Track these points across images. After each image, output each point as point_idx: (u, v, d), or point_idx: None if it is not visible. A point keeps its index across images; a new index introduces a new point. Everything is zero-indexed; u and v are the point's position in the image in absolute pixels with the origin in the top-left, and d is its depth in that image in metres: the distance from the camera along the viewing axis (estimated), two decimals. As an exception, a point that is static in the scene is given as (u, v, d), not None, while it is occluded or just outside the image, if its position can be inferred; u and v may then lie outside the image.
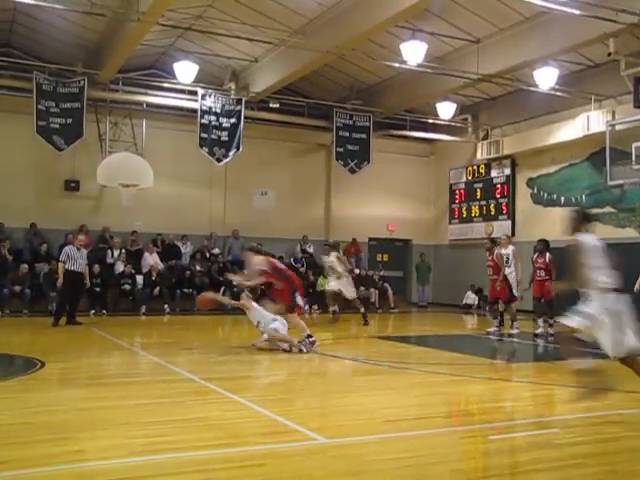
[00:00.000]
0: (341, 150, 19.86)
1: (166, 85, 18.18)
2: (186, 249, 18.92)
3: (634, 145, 13.03)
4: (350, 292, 14.95)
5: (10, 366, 8.81)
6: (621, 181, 13.69)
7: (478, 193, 21.42)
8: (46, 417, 5.73)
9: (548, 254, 13.28)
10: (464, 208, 21.97)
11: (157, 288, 17.03)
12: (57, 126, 16.55)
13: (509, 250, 13.42)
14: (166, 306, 17.04)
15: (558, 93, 16.63)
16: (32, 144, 16.74)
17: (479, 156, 21.05)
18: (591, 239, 6.15)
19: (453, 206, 22.41)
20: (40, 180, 17.85)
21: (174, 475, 4.26)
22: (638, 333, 5.83)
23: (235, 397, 6.70)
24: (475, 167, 21.51)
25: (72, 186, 18.10)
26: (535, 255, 13.47)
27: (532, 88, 16.46)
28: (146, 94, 18.19)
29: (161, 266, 17.57)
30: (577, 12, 12.18)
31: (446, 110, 19.48)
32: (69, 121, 16.63)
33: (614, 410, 6.60)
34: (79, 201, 18.10)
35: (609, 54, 13.52)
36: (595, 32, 13.08)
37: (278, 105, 19.32)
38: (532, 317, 13.58)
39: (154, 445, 4.85)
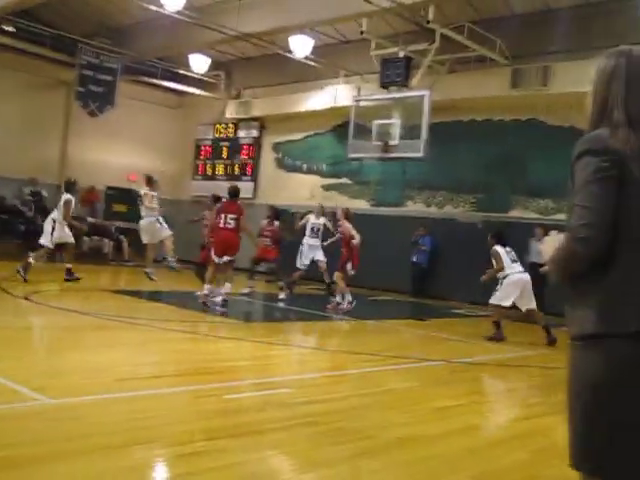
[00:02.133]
0: (83, 90, 18.49)
1: None
2: None
3: (375, 122, 13.79)
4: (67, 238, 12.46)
5: None
6: (360, 155, 14.45)
7: (224, 151, 21.39)
8: None
9: (276, 222, 13.66)
10: (209, 165, 21.82)
11: None
12: None
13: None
14: None
15: (311, 63, 17.06)
16: None
17: (228, 114, 20.98)
18: (502, 249, 9.97)
19: (198, 162, 22.15)
20: None
21: None
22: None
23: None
24: (223, 125, 21.42)
25: None
26: (265, 222, 13.78)
27: (287, 54, 16.68)
28: None
29: None
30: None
31: (199, 63, 19.03)
32: None
33: (340, 371, 6.94)
34: None
35: (361, 32, 14.10)
36: (351, 9, 13.52)
37: (13, 29, 17.36)
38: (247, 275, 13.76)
39: None
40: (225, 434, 4.37)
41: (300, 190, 19.08)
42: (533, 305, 9.94)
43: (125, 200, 21.45)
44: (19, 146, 18.61)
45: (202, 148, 22.06)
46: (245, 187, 20.54)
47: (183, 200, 21.73)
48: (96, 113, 18.83)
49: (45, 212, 17.95)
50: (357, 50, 16.22)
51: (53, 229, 12.05)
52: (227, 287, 10.37)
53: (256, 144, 20.61)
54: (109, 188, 21.13)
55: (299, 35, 15.66)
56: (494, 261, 10.01)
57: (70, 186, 12.73)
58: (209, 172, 21.76)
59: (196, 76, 19.90)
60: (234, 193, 10.97)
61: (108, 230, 19.23)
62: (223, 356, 7.05)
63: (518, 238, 14.64)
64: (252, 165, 20.66)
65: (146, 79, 20.39)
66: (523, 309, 10.02)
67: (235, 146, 21.07)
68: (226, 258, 10.33)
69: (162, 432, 4.33)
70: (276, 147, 20.30)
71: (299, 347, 7.95)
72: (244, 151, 20.85)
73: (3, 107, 18.40)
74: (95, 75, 18.62)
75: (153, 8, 14.84)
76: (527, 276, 9.95)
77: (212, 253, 10.49)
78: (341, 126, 17.13)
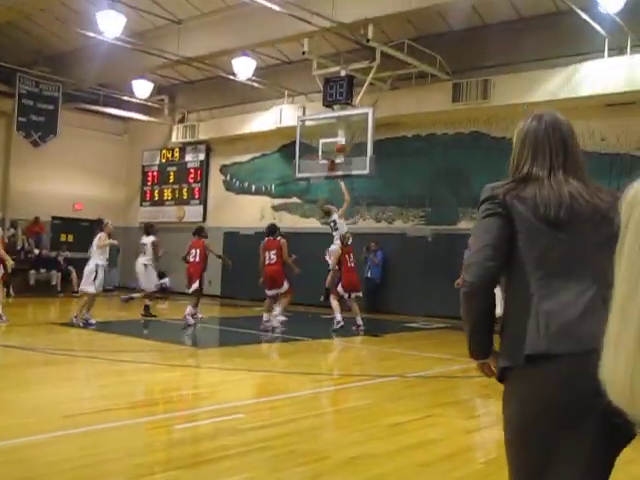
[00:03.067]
0: (24, 120, 18.19)
1: None
2: None
3: (321, 141, 13.83)
4: None
5: None
6: (308, 174, 14.47)
7: (171, 176, 21.21)
8: None
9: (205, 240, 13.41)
10: (156, 191, 21.61)
11: None
12: None
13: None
14: None
15: (254, 84, 17.09)
16: None
17: (174, 139, 20.84)
18: None
19: (145, 188, 21.92)
20: None
21: None
22: None
23: None
24: (170, 150, 21.28)
25: None
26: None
27: (230, 76, 16.66)
28: None
29: None
30: (277, 8, 12.54)
31: (142, 89, 18.87)
32: None
33: (294, 392, 6.89)
34: None
35: (303, 53, 14.18)
36: (292, 30, 13.61)
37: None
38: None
39: None
40: (180, 464, 4.30)
41: (250, 212, 19.03)
42: None
43: (72, 230, 21.09)
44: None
45: (149, 174, 21.85)
46: (194, 211, 20.46)
47: (132, 227, 21.44)
48: (39, 143, 18.52)
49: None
50: (300, 70, 16.31)
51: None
52: (277, 310, 11.72)
53: (203, 167, 20.50)
54: (55, 218, 20.73)
55: (241, 57, 15.67)
56: None
57: (150, 229, 13.53)
58: (156, 197, 21.55)
59: (140, 101, 19.73)
60: (272, 231, 12.16)
61: (54, 261, 18.84)
62: (175, 385, 6.94)
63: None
64: (200, 189, 20.53)
65: (89, 106, 20.11)
66: None
67: (182, 170, 20.93)
68: (274, 292, 11.76)
69: (108, 468, 4.23)
70: (223, 169, 20.22)
71: (251, 371, 7.88)
72: (191, 175, 20.72)
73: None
74: (35, 104, 18.33)
75: (92, 35, 14.68)
76: None
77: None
78: (287, 146, 17.17)
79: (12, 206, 19.43)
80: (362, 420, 5.66)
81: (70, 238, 20.96)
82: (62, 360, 8.13)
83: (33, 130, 18.34)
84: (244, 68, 15.89)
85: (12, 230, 19.15)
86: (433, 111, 15.21)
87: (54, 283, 18.52)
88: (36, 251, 18.80)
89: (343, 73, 13.98)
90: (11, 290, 16.70)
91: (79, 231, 21.40)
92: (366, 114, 13.33)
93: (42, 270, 18.45)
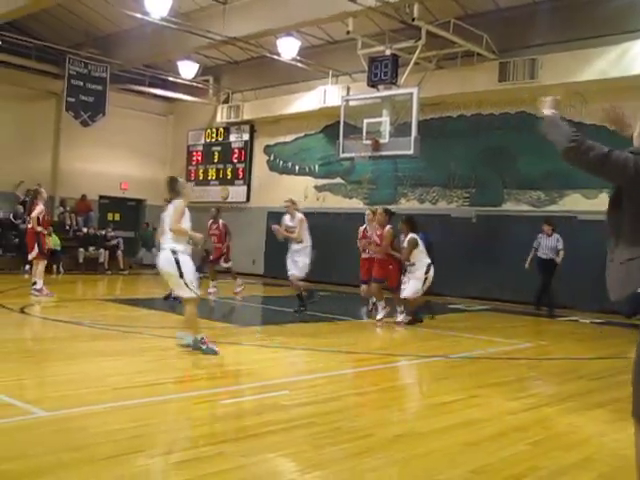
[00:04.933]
0: (73, 100, 18.49)
1: None
2: None
3: (365, 121, 13.77)
4: None
5: None
6: (351, 154, 14.43)
7: (216, 156, 21.38)
8: None
9: (221, 220, 13.97)
10: (201, 170, 21.82)
11: None
12: None
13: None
14: None
15: (299, 64, 17.06)
16: None
17: (219, 119, 20.98)
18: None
19: (190, 168, 22.14)
20: None
21: None
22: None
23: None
24: (214, 130, 21.41)
25: None
26: (210, 222, 13.92)
27: (275, 56, 16.68)
28: None
29: None
30: (321, -14, 12.50)
31: (188, 69, 19.02)
32: None
33: (336, 371, 6.93)
34: None
35: (347, 32, 14.10)
36: (336, 9, 13.53)
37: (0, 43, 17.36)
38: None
39: None
40: (224, 439, 4.36)
41: (293, 192, 19.02)
42: None
43: (119, 209, 21.45)
44: (10, 159, 18.57)
45: (194, 154, 22.05)
46: (238, 191, 20.60)
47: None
48: (88, 122, 18.83)
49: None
50: (344, 50, 16.23)
51: None
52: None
53: (247, 147, 20.61)
54: (102, 197, 21.11)
55: (286, 37, 15.66)
56: None
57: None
58: (201, 177, 21.75)
59: (185, 82, 19.88)
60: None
61: (102, 239, 19.20)
62: (219, 361, 7.03)
63: (512, 231, 14.73)
64: (244, 169, 20.65)
65: (135, 87, 20.38)
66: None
67: (226, 150, 21.07)
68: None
69: (162, 439, 4.33)
70: (267, 150, 20.30)
71: (295, 349, 7.94)
72: (235, 155, 20.85)
73: (-4, 120, 18.39)
74: (84, 85, 18.61)
75: (138, 16, 14.82)
76: None
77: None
78: (331, 126, 17.14)
79: (61, 185, 19.88)
80: (406, 399, 5.68)
81: (117, 217, 21.34)
82: (110, 335, 8.32)
83: (82, 110, 18.64)
84: (288, 48, 15.89)
85: (61, 208, 19.59)
86: (479, 91, 15.02)
87: (102, 261, 18.88)
88: (84, 229, 19.16)
89: (388, 52, 13.87)
90: (61, 267, 17.11)
91: (125, 210, 21.79)
92: (411, 94, 13.23)
93: (90, 248, 18.82)
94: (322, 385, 6.21)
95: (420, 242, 10.55)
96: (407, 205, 16.82)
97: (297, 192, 18.90)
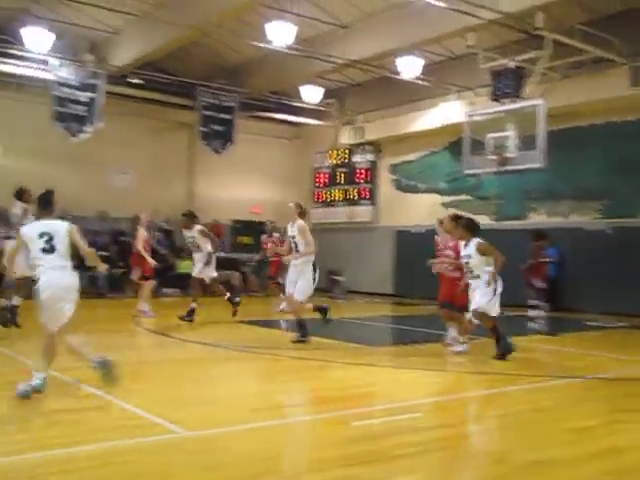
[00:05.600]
0: (206, 130, 19.38)
1: (15, 52, 16.85)
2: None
3: (489, 136, 13.58)
4: (209, 273, 12.68)
5: None
6: (477, 170, 14.26)
7: (341, 177, 21.68)
8: None
9: (276, 234, 14.33)
10: (327, 192, 22.18)
11: None
12: None
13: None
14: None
15: (420, 82, 17.05)
16: None
17: (343, 141, 21.28)
18: None
19: (316, 190, 22.56)
20: None
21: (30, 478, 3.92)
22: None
23: (91, 389, 6.33)
24: (339, 152, 21.74)
25: None
26: (264, 236, 14.50)
27: (396, 76, 16.76)
28: (-7, 62, 16.82)
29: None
30: (441, 4, 12.47)
31: (311, 94, 19.48)
32: None
33: (468, 392, 6.83)
34: None
35: (468, 47, 13.98)
36: (456, 25, 13.47)
37: (142, 81, 18.55)
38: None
39: (8, 446, 4.47)
40: (357, 461, 4.40)
41: (419, 210, 19.01)
42: None
43: (249, 232, 22.16)
44: (148, 188, 19.70)
45: (320, 176, 22.48)
46: (364, 211, 20.75)
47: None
48: (219, 150, 19.68)
49: (174, 249, 18.93)
50: (466, 65, 16.06)
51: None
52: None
53: (372, 168, 20.77)
54: (234, 222, 21.91)
55: (406, 56, 15.71)
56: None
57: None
58: (327, 198, 22.11)
59: (309, 106, 20.35)
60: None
61: (235, 262, 19.90)
62: (350, 382, 7.12)
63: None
64: (370, 189, 20.81)
65: (262, 114, 21.10)
66: None
67: (352, 171, 21.32)
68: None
69: (296, 460, 4.45)
70: (392, 169, 20.37)
71: (424, 370, 7.90)
72: (361, 175, 21.05)
73: (133, 152, 19.63)
74: (215, 115, 19.47)
75: (262, 45, 15.38)
76: None
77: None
78: (455, 143, 16.96)
79: (197, 211, 20.79)
80: (542, 423, 5.51)
81: (248, 240, 22.05)
82: (244, 357, 8.61)
83: (214, 139, 19.51)
84: (410, 67, 15.92)
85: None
86: (609, 97, 14.38)
87: (234, 283, 19.53)
88: (220, 253, 19.84)
89: (512, 65, 13.63)
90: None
91: (257, 233, 22.46)
92: (536, 106, 12.92)
93: (226, 272, 19.50)
94: (455, 407, 6.16)
95: None
96: (537, 219, 16.34)
97: (423, 210, 18.86)
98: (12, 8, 16.00)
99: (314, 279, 9.73)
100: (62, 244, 5.91)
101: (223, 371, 7.76)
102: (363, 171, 21.02)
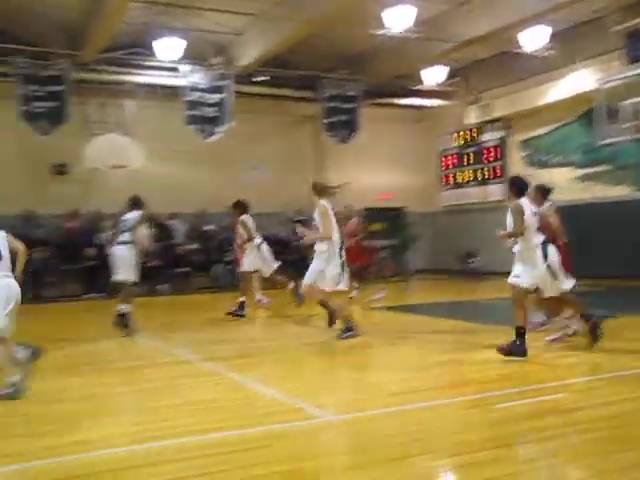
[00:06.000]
0: (331, 121, 19.68)
1: (150, 63, 17.86)
2: (178, 227, 18.79)
3: (624, 103, 12.90)
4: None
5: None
6: (612, 139, 13.59)
7: (469, 158, 21.30)
8: (46, 407, 5.68)
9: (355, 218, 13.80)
10: (455, 173, 21.86)
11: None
12: (42, 110, 16.31)
13: None
14: (162, 286, 17.08)
15: (546, 53, 16.42)
16: (18, 129, 16.52)
17: (470, 120, 20.89)
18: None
19: (445, 172, 22.29)
20: (28, 165, 17.63)
21: (176, 462, 4.22)
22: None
23: (236, 377, 6.68)
24: (466, 131, 21.36)
25: (61, 169, 17.91)
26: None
27: (520, 50, 16.24)
28: (130, 73, 17.86)
29: (154, 246, 17.48)
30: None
31: (435, 75, 19.23)
32: (53, 104, 16.40)
33: (615, 372, 6.59)
34: (69, 184, 17.88)
35: (596, 11, 13.33)
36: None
37: (267, 78, 19.09)
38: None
39: (157, 431, 4.81)
40: (499, 443, 4.39)
41: (555, 184, 18.32)
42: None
43: (380, 219, 22.25)
44: (278, 182, 20.26)
45: (446, 158, 22.19)
46: (496, 190, 20.30)
47: (436, 212, 22.12)
48: (345, 141, 19.92)
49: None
50: (594, 30, 15.31)
51: None
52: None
53: (501, 145, 20.26)
54: (366, 209, 22.08)
55: (531, 27, 15.19)
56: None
57: None
58: (457, 180, 21.80)
59: (433, 88, 20.12)
60: None
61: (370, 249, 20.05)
62: (492, 365, 7.04)
63: None
64: (500, 167, 20.31)
65: (384, 100, 21.08)
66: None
67: (480, 150, 20.90)
68: None
69: (437, 443, 4.50)
70: (522, 145, 19.77)
71: (562, 350, 7.67)
72: (490, 154, 20.59)
73: (262, 149, 20.24)
74: (339, 105, 19.70)
75: (382, 32, 15.35)
76: None
77: None
78: (587, 112, 16.22)
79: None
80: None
81: (378, 227, 22.15)
82: (382, 342, 8.72)
83: (339, 129, 19.76)
84: (534, 38, 15.43)
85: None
86: None
87: (370, 270, 19.64)
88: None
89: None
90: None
91: (387, 219, 22.53)
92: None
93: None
94: (601, 387, 5.97)
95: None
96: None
97: (557, 184, 18.16)
98: (143, 22, 16.90)
99: (342, 265, 8.81)
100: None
101: (362, 357, 7.91)
102: (492, 149, 20.54)
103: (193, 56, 17.75)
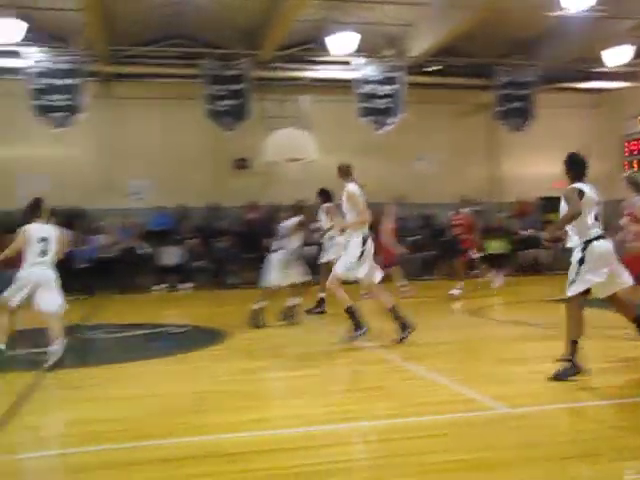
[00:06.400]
0: (504, 109, 19.29)
1: (323, 58, 18.42)
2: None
3: None
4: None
5: (200, 337, 9.56)
6: None
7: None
8: (232, 386, 6.20)
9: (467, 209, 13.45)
10: (640, 160, 20.56)
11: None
12: (225, 108, 17.46)
13: None
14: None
15: None
16: (203, 128, 17.76)
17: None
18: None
19: (629, 158, 21.01)
20: (213, 161, 18.88)
21: (354, 444, 4.48)
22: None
23: (411, 366, 6.87)
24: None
25: (242, 164, 19.02)
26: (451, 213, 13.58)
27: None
28: (305, 69, 18.60)
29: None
30: None
31: (618, 55, 18.13)
32: (236, 102, 17.50)
33: None
34: (249, 178, 18.90)
35: None
36: None
37: (439, 67, 19.07)
38: None
39: (334, 414, 5.10)
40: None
41: None
42: None
43: (557, 208, 21.40)
44: (450, 172, 20.13)
45: (630, 143, 20.90)
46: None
47: (615, 200, 20.85)
48: (519, 128, 19.43)
49: (485, 230, 19.04)
50: None
51: None
52: None
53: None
54: (540, 199, 21.37)
55: None
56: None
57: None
58: (642, 167, 20.51)
59: (614, 70, 19.03)
60: None
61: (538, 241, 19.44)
62: None
63: None
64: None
65: (561, 85, 20.25)
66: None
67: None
68: None
69: (611, 445, 4.36)
70: None
71: None
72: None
73: (437, 138, 20.26)
74: (513, 92, 19.25)
75: (558, 13, 14.77)
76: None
77: None
78: None
79: (500, 191, 20.79)
80: None
81: (556, 217, 21.34)
82: (557, 336, 8.47)
83: (512, 117, 19.34)
84: None
85: (502, 213, 20.36)
86: None
87: (543, 262, 19.05)
88: (523, 232, 19.49)
89: None
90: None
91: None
92: None
93: (530, 250, 19.15)
94: None
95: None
96: None
97: None
98: (315, 19, 17.45)
99: (361, 254, 7.93)
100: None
101: (537, 350, 7.78)
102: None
103: (365, 49, 18.09)
